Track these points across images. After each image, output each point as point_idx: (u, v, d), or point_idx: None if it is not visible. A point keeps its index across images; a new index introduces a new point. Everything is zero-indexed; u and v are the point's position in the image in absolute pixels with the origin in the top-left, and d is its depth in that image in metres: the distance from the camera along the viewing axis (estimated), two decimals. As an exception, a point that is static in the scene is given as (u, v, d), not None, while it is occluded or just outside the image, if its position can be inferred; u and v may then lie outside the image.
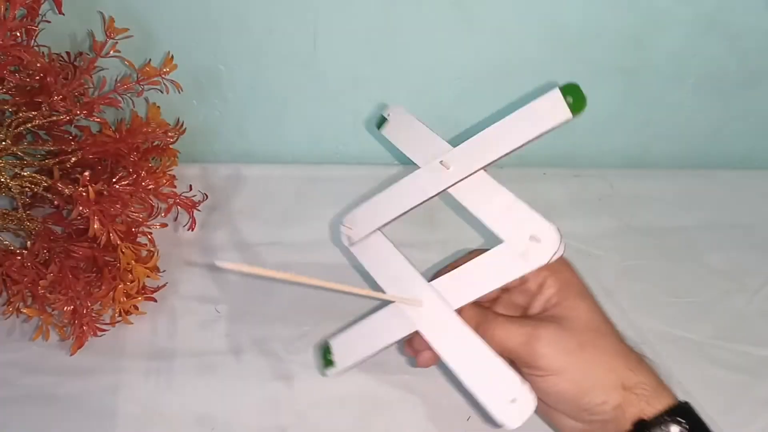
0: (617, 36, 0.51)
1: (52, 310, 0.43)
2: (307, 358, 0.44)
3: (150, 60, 0.50)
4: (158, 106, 0.51)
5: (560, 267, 0.36)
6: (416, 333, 0.36)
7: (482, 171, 0.36)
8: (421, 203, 0.38)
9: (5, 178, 0.44)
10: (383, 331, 0.37)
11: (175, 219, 0.53)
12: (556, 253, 0.33)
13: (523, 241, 0.33)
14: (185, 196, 0.52)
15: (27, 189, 0.44)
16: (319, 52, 0.52)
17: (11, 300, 0.43)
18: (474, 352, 0.33)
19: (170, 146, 0.51)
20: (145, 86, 0.48)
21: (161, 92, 0.49)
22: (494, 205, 0.35)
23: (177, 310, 0.47)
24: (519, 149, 0.35)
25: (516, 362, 0.34)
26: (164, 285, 0.48)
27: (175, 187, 0.51)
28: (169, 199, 0.51)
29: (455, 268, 0.36)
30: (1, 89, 0.43)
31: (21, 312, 0.43)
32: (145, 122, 0.50)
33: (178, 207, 0.52)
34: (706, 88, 0.55)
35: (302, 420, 0.41)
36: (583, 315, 0.34)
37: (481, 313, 0.35)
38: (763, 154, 0.61)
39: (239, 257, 0.51)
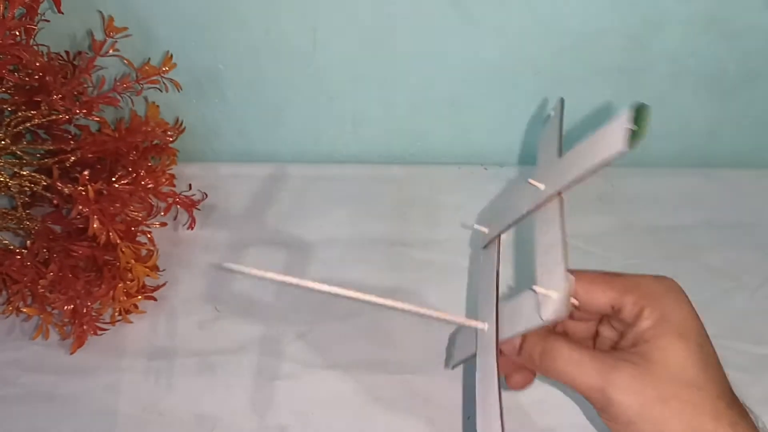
0: (616, 35, 0.51)
1: (52, 310, 0.43)
2: (307, 358, 0.44)
3: (149, 59, 0.50)
4: (157, 105, 0.51)
5: (664, 295, 0.30)
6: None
7: (557, 197, 0.33)
8: (526, 214, 0.35)
9: (5, 178, 0.44)
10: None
11: (175, 218, 0.53)
12: (556, 314, 0.28)
13: (541, 291, 0.30)
14: (185, 195, 0.52)
15: (26, 188, 0.44)
16: (319, 52, 0.52)
17: (11, 299, 0.43)
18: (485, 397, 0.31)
19: (169, 145, 0.51)
20: (145, 85, 0.48)
21: (160, 91, 0.49)
22: (545, 240, 0.32)
23: (177, 309, 0.47)
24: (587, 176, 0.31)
25: (588, 400, 0.30)
26: (164, 284, 0.48)
27: (174, 186, 0.51)
28: (168, 198, 0.51)
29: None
30: (1, 88, 0.43)
31: (21, 311, 0.43)
32: (144, 121, 0.50)
33: (178, 206, 0.52)
34: (705, 88, 0.55)
35: (302, 420, 0.41)
36: (674, 360, 0.28)
37: (547, 339, 0.31)
38: (762, 153, 0.61)
39: (239, 256, 0.51)
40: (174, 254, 0.51)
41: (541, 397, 0.41)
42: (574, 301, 0.30)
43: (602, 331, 0.34)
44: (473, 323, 0.34)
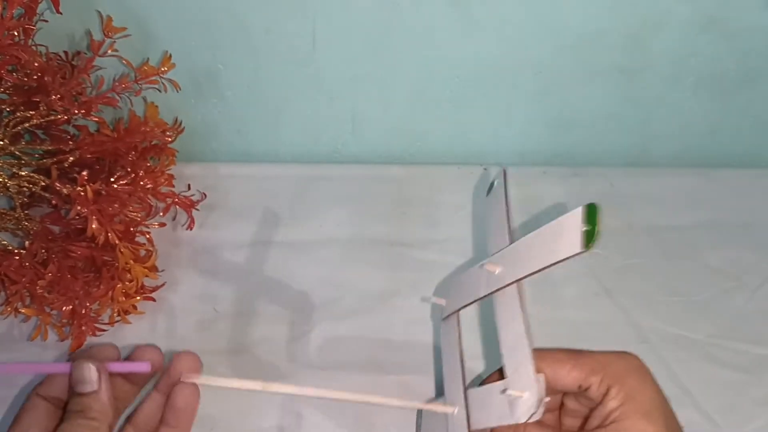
0: (616, 35, 0.51)
1: (51, 310, 0.43)
2: (306, 359, 0.44)
3: (148, 59, 0.50)
4: (156, 106, 0.51)
5: (629, 375, 0.31)
6: None
7: (513, 286, 0.33)
8: (484, 297, 0.36)
9: (3, 178, 0.43)
10: None
11: (174, 218, 0.53)
12: (530, 416, 0.29)
13: (513, 394, 0.30)
14: (184, 196, 0.52)
15: (25, 188, 0.44)
16: (318, 51, 0.52)
17: (9, 300, 0.43)
18: None
19: (168, 145, 0.51)
20: (144, 85, 0.48)
21: (159, 91, 0.49)
22: (509, 332, 0.32)
23: (176, 309, 0.47)
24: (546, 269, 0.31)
25: None
26: (163, 284, 0.48)
27: (173, 186, 0.51)
28: (167, 199, 0.51)
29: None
30: (-1, 88, 0.43)
31: (19, 312, 0.43)
32: (143, 121, 0.50)
33: (177, 206, 0.52)
34: (705, 87, 0.55)
35: (302, 420, 0.41)
36: None
37: (518, 427, 0.31)
38: (763, 153, 0.61)
39: (238, 256, 0.51)
40: (173, 255, 0.50)
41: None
42: (546, 399, 0.31)
43: (567, 404, 0.34)
44: (442, 408, 0.34)
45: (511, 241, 0.34)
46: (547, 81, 0.54)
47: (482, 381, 0.35)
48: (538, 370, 0.31)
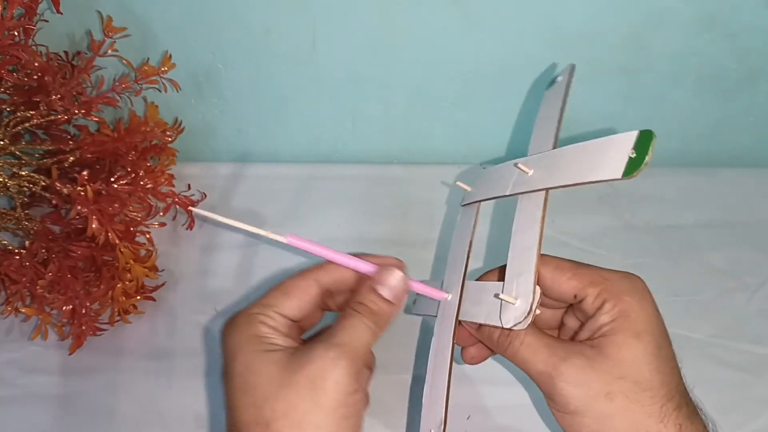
0: (617, 35, 0.51)
1: (51, 310, 0.43)
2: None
3: (148, 59, 0.50)
4: (157, 105, 0.51)
5: (628, 292, 0.30)
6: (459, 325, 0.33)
7: (540, 194, 0.32)
8: (509, 195, 0.34)
9: (3, 178, 0.44)
10: None
11: (174, 218, 0.53)
12: (516, 325, 0.29)
13: (506, 299, 0.30)
14: (184, 195, 0.52)
15: (25, 188, 0.44)
16: (319, 51, 0.52)
17: (10, 299, 0.43)
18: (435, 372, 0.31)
19: (169, 145, 0.51)
20: (144, 85, 0.48)
21: (159, 91, 0.49)
22: (522, 238, 0.31)
23: (176, 309, 0.47)
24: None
25: (537, 385, 0.31)
26: (163, 284, 0.48)
27: (173, 186, 0.51)
28: (167, 199, 0.51)
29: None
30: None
31: (20, 311, 0.43)
32: (143, 121, 0.50)
33: (177, 206, 0.52)
34: (706, 87, 0.55)
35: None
36: (628, 358, 0.29)
37: None
38: (763, 153, 0.61)
39: (237, 256, 0.51)
40: (173, 254, 0.50)
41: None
42: (537, 311, 0.30)
43: (567, 322, 0.34)
44: (438, 294, 0.34)
45: (554, 147, 0.33)
46: (548, 80, 0.54)
47: (480, 276, 0.35)
48: (540, 274, 0.30)
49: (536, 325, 0.31)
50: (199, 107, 0.56)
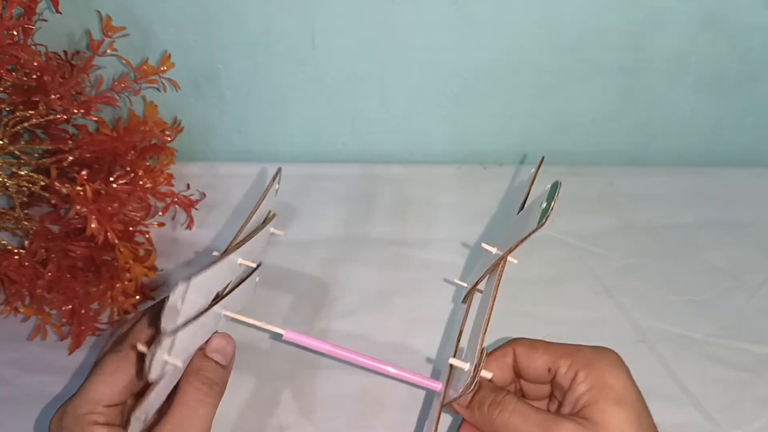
0: (617, 34, 0.51)
1: (50, 310, 0.43)
2: (306, 357, 0.44)
3: (147, 58, 0.50)
4: (156, 105, 0.51)
5: (600, 362, 0.31)
6: None
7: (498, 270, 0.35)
8: (485, 275, 0.38)
9: (2, 178, 0.43)
10: None
11: (173, 218, 0.53)
12: (464, 386, 0.31)
13: (455, 363, 0.33)
14: (183, 195, 0.52)
15: (24, 188, 0.44)
16: (318, 51, 0.52)
17: (9, 299, 0.43)
18: None
19: (168, 145, 0.51)
20: (143, 85, 0.48)
21: (159, 91, 0.49)
22: (480, 309, 0.35)
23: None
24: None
25: None
26: (162, 284, 0.48)
27: (172, 185, 0.51)
28: (166, 198, 0.51)
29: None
30: (-2, 88, 0.43)
31: (19, 311, 0.43)
32: (142, 121, 0.50)
33: (176, 206, 0.52)
34: (705, 86, 0.55)
35: (302, 420, 0.41)
36: (614, 424, 0.29)
37: (498, 391, 0.32)
38: (763, 152, 0.61)
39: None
40: (172, 254, 0.50)
41: None
42: (486, 374, 0.32)
43: (556, 395, 0.35)
44: (431, 385, 0.35)
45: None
46: (548, 80, 0.54)
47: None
48: (515, 353, 0.33)
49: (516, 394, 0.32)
50: (198, 107, 0.56)
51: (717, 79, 0.55)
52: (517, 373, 0.34)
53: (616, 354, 0.32)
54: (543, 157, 0.40)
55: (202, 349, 0.33)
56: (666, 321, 0.46)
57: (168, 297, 0.27)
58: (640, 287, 0.48)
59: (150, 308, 0.34)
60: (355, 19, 0.50)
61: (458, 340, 0.36)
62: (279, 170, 0.39)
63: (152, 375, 0.27)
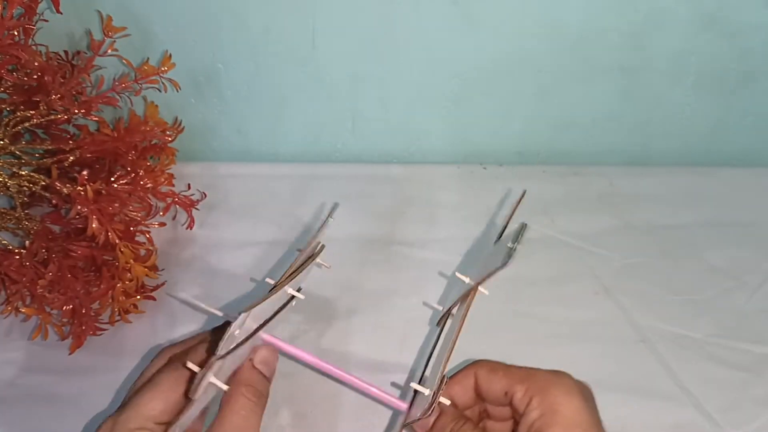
0: (617, 34, 0.51)
1: (51, 310, 0.43)
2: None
3: (148, 59, 0.50)
4: (156, 105, 0.51)
5: (554, 387, 0.31)
6: None
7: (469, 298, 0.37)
8: (457, 302, 0.39)
9: (3, 178, 0.43)
10: None
11: (174, 218, 0.53)
12: (422, 411, 0.31)
13: (416, 387, 0.33)
14: (184, 195, 0.52)
15: (25, 188, 0.44)
16: (318, 51, 0.52)
17: (10, 299, 0.43)
18: None
19: (168, 145, 0.51)
20: (144, 85, 0.48)
21: (159, 91, 0.49)
22: (447, 337, 0.36)
23: (176, 309, 0.47)
24: None
25: None
26: (163, 284, 0.48)
27: (173, 185, 0.51)
28: (167, 198, 0.51)
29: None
30: (-1, 88, 0.43)
31: (20, 311, 0.43)
32: (143, 121, 0.50)
33: (177, 206, 0.52)
34: (705, 86, 0.55)
35: (302, 420, 0.41)
36: None
37: (458, 419, 0.32)
38: (762, 152, 0.61)
39: (238, 255, 0.51)
40: (173, 254, 0.50)
41: None
42: (444, 401, 0.32)
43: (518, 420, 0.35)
44: (396, 404, 0.36)
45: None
46: (547, 80, 0.54)
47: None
48: (476, 375, 0.33)
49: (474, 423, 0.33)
50: (198, 107, 0.56)
51: (717, 79, 0.55)
52: (479, 395, 0.34)
53: (571, 378, 0.32)
54: (525, 191, 0.41)
55: (250, 360, 0.33)
56: (666, 321, 0.46)
57: (229, 323, 0.28)
58: (640, 287, 0.49)
59: (210, 332, 0.34)
60: (355, 19, 0.50)
61: (426, 365, 0.38)
62: (335, 205, 0.40)
63: (197, 395, 0.28)
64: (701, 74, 0.54)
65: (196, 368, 0.29)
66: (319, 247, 0.40)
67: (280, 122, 0.58)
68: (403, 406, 0.36)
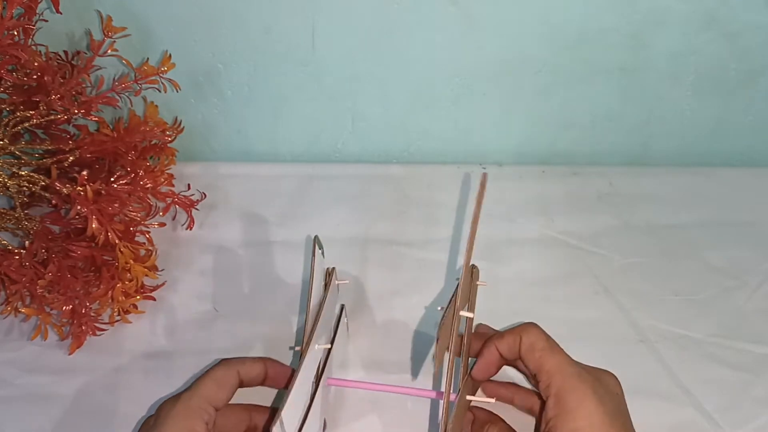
0: (616, 34, 0.51)
1: (51, 310, 0.43)
2: (306, 357, 0.44)
3: (148, 59, 0.50)
4: (156, 105, 0.51)
5: (570, 389, 0.32)
6: None
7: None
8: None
9: (3, 178, 0.44)
10: None
11: (174, 218, 0.53)
12: None
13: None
14: (183, 195, 0.52)
15: (25, 188, 0.44)
16: (318, 51, 0.52)
17: (9, 299, 0.43)
18: None
19: (168, 145, 0.51)
20: (143, 85, 0.48)
21: (159, 91, 0.49)
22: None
23: (176, 309, 0.47)
24: None
25: None
26: (163, 284, 0.48)
27: (173, 186, 0.51)
28: (167, 198, 0.51)
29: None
30: (-1, 88, 0.43)
31: (19, 311, 0.43)
32: (143, 121, 0.50)
33: (177, 206, 0.52)
34: (705, 86, 0.55)
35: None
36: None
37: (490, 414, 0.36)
38: (762, 152, 0.61)
39: (238, 255, 0.51)
40: (173, 254, 0.50)
41: None
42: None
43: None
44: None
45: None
46: (547, 80, 0.54)
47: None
48: (521, 341, 0.34)
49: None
50: (198, 107, 0.56)
51: (717, 79, 0.55)
52: (515, 354, 0.35)
53: (590, 382, 0.33)
54: (485, 173, 0.39)
55: None
56: (666, 321, 0.46)
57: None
58: (640, 287, 0.49)
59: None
60: (355, 19, 0.50)
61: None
62: (316, 237, 0.40)
63: None
64: (701, 74, 0.54)
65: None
66: (333, 275, 0.41)
67: (280, 122, 0.58)
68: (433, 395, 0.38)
